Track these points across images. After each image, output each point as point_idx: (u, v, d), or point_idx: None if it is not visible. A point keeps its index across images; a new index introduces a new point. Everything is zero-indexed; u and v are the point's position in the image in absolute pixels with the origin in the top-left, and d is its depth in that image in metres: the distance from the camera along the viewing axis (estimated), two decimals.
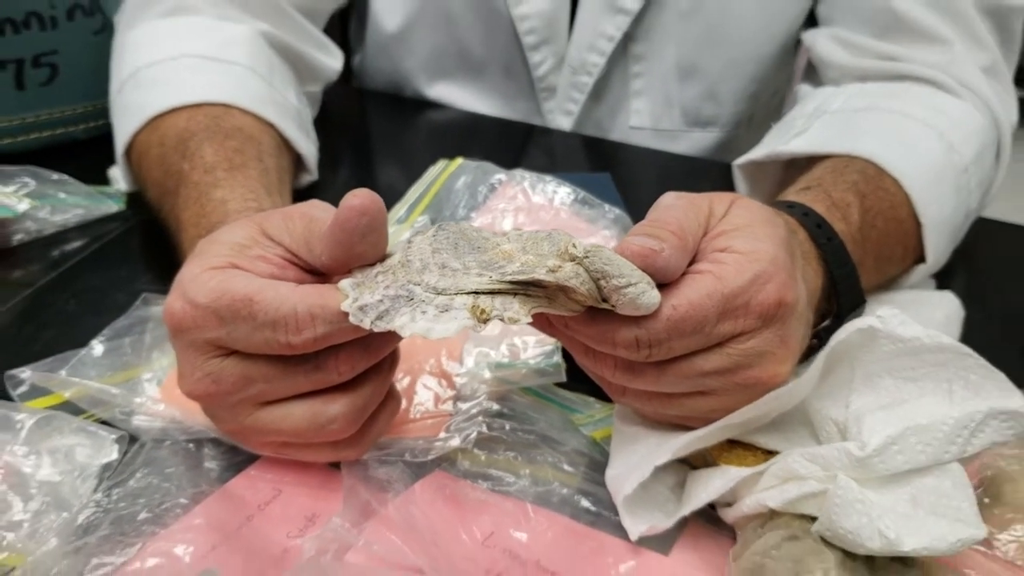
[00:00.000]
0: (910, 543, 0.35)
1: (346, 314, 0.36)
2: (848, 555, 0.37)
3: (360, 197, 0.36)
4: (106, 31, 0.68)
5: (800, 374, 0.39)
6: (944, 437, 0.38)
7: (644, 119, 0.79)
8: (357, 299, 0.35)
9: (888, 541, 0.35)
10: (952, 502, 0.37)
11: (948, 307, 0.56)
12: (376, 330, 0.35)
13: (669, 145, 0.79)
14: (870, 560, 0.37)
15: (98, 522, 0.40)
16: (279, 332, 0.36)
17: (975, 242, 0.66)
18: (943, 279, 0.60)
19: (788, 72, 0.79)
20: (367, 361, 0.39)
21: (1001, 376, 0.39)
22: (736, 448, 0.43)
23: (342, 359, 0.38)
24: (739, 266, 0.37)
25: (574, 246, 0.35)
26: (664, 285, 0.37)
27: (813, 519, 0.38)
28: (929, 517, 0.37)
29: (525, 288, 0.35)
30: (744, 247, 0.38)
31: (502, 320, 0.34)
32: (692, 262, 0.38)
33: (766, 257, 0.37)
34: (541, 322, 0.38)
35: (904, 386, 0.40)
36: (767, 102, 0.78)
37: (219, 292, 0.37)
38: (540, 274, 0.34)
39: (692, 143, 0.80)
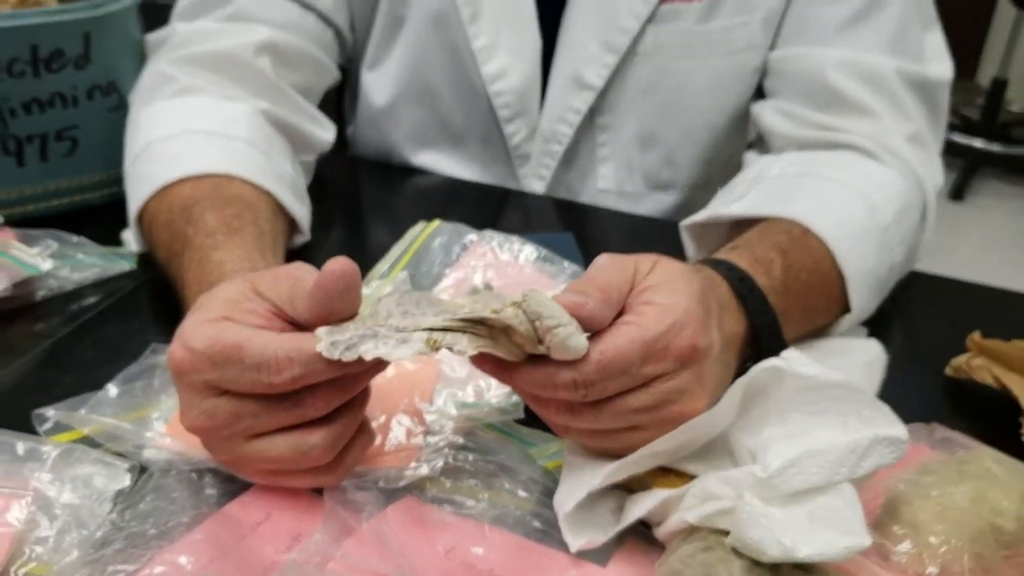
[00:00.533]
0: (804, 550, 0.42)
1: (320, 356, 0.42)
2: (755, 563, 0.43)
3: (339, 263, 0.43)
4: (121, 108, 0.75)
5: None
6: (836, 460, 0.44)
7: (610, 183, 0.87)
8: (330, 339, 0.42)
9: (785, 548, 0.41)
10: (842, 516, 0.43)
11: (871, 353, 0.63)
12: (345, 359, 0.41)
13: (633, 207, 0.86)
14: (775, 567, 0.43)
15: (113, 538, 0.46)
16: (263, 373, 0.43)
17: (909, 294, 0.73)
18: (880, 328, 0.67)
19: (742, 139, 0.86)
20: (340, 398, 0.46)
21: (886, 409, 0.46)
22: (669, 475, 0.49)
23: (318, 396, 0.45)
24: (658, 316, 0.44)
25: (517, 296, 0.42)
26: (595, 335, 0.44)
27: (727, 533, 0.44)
28: (823, 529, 0.43)
29: (474, 327, 0.42)
30: (663, 300, 0.45)
31: (451, 351, 0.41)
32: (621, 314, 0.45)
33: (681, 308, 0.44)
34: (495, 371, 0.45)
35: (809, 419, 0.46)
36: (723, 167, 0.85)
37: (213, 340, 0.44)
38: (485, 313, 0.41)
39: (654, 204, 0.87)
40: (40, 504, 0.47)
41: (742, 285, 0.56)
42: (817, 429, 0.45)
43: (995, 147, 3.20)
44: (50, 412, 0.52)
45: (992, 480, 0.49)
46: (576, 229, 0.79)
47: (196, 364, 0.44)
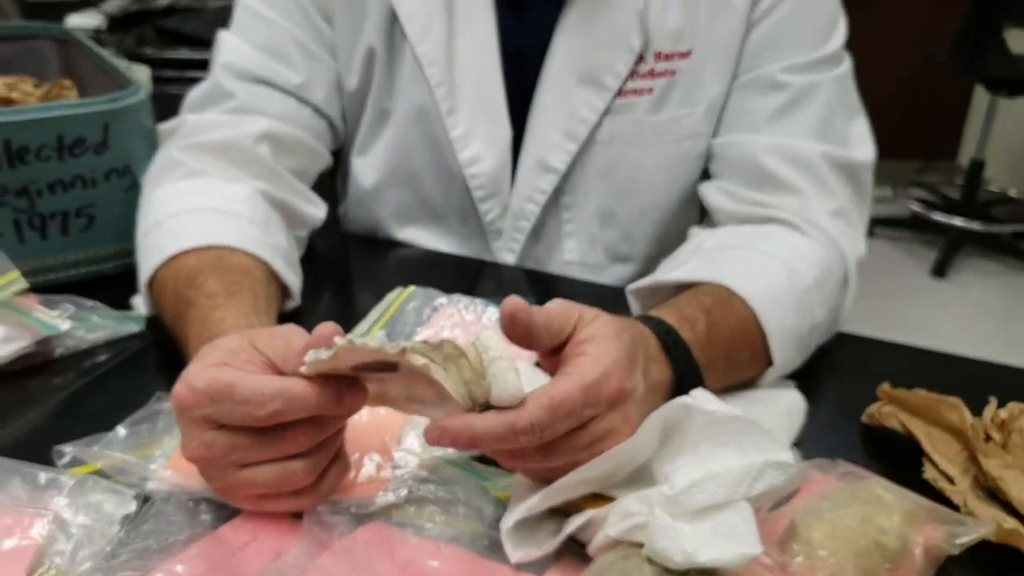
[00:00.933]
0: (704, 556, 0.49)
1: (299, 394, 0.51)
2: (665, 569, 0.51)
3: (328, 328, 0.52)
4: (135, 189, 0.85)
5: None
6: (734, 481, 0.52)
7: (574, 255, 0.96)
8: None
9: (688, 555, 0.49)
10: (739, 529, 0.51)
11: (791, 400, 0.71)
12: (321, 357, 0.50)
13: (596, 276, 0.95)
14: (682, 573, 0.51)
15: (120, 552, 0.53)
16: (251, 408, 0.51)
17: (837, 352, 0.81)
18: (808, 381, 0.75)
19: (692, 215, 0.95)
20: (318, 435, 0.54)
21: (779, 439, 0.54)
22: (599, 500, 0.57)
23: (299, 432, 0.53)
24: (592, 365, 0.52)
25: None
26: (543, 388, 0.52)
27: (643, 545, 0.52)
28: (721, 539, 0.51)
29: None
30: (595, 351, 0.53)
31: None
32: (560, 362, 0.54)
33: (611, 358, 0.53)
34: (458, 441, 0.51)
35: (714, 448, 0.54)
36: (675, 240, 0.93)
37: (211, 379, 0.52)
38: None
39: (614, 275, 0.95)
40: (59, 524, 0.55)
41: (668, 338, 0.64)
42: (719, 456, 0.54)
43: (975, 225, 3.31)
44: (68, 448, 0.60)
45: (879, 504, 0.57)
46: (544, 296, 0.88)
47: (196, 401, 0.52)
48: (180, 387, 0.53)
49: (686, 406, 0.54)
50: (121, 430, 0.63)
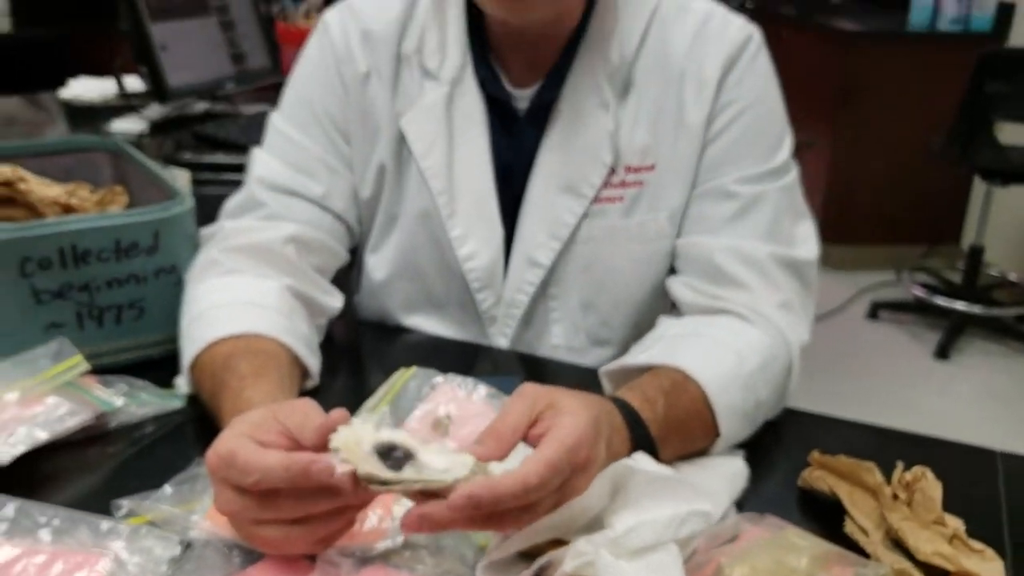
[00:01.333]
0: None
1: (273, 468, 0.62)
2: None
3: (340, 414, 0.65)
4: (179, 285, 0.99)
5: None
6: (663, 526, 0.64)
7: (560, 340, 1.08)
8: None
9: None
10: (668, 566, 0.63)
11: (736, 467, 0.83)
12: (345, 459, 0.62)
13: (579, 359, 1.07)
14: None
15: None
16: (242, 476, 0.63)
17: (784, 426, 0.93)
18: (756, 453, 0.86)
19: (663, 305, 1.08)
20: (303, 508, 0.64)
21: (703, 493, 0.66)
22: (559, 544, 0.69)
23: (282, 497, 0.64)
24: (569, 435, 0.65)
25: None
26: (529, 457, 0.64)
27: None
28: (654, 575, 0.63)
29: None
30: (569, 424, 0.66)
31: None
32: (539, 436, 0.66)
33: (578, 432, 0.65)
34: (486, 500, 0.61)
35: (651, 501, 0.67)
36: (649, 326, 1.04)
37: (227, 449, 0.65)
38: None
39: (595, 357, 1.08)
40: (117, 563, 0.67)
41: (631, 418, 0.77)
42: (654, 507, 0.66)
43: (977, 309, 3.41)
44: (124, 502, 0.73)
45: (792, 549, 0.68)
46: (533, 376, 1.01)
47: (218, 465, 0.65)
48: (210, 453, 0.66)
49: (629, 467, 0.67)
50: (168, 488, 0.76)
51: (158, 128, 1.91)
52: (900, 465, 0.78)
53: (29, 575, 0.65)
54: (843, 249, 4.03)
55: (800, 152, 3.22)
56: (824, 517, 0.78)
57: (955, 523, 0.74)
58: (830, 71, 3.96)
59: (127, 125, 1.90)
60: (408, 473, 0.62)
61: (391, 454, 0.64)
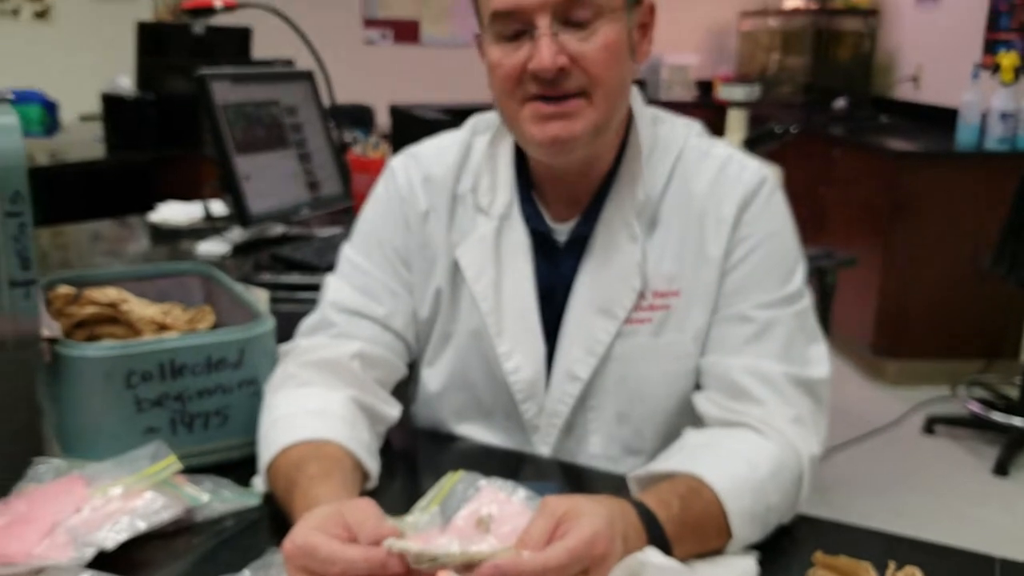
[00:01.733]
0: None
1: (357, 562, 0.75)
2: None
3: (389, 529, 0.77)
4: (258, 395, 1.13)
5: None
6: None
7: (597, 449, 1.19)
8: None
9: None
10: None
11: (746, 565, 0.92)
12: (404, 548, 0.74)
13: (614, 467, 1.17)
14: None
15: None
16: (326, 567, 0.75)
17: (797, 531, 1.02)
18: (770, 555, 0.96)
19: (691, 417, 1.18)
20: None
21: (718, 571, 0.76)
22: None
23: None
24: (590, 532, 0.76)
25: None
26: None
27: None
28: None
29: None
30: (587, 523, 0.77)
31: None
32: (563, 533, 0.77)
33: (595, 528, 0.77)
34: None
35: None
36: (678, 436, 1.16)
37: (304, 541, 0.77)
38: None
39: (628, 466, 1.17)
40: None
41: (646, 517, 0.88)
42: None
43: None
44: None
45: None
46: (571, 482, 1.12)
47: (295, 554, 0.77)
48: (287, 542, 0.78)
49: (640, 561, 0.78)
50: (247, 572, 0.88)
51: (239, 250, 2.09)
52: (892, 564, 0.87)
53: None
54: (898, 364, 4.07)
55: (848, 269, 3.33)
56: None
57: None
58: (880, 189, 4.06)
59: (211, 247, 2.09)
60: (453, 547, 0.74)
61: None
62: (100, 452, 1.05)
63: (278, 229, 2.20)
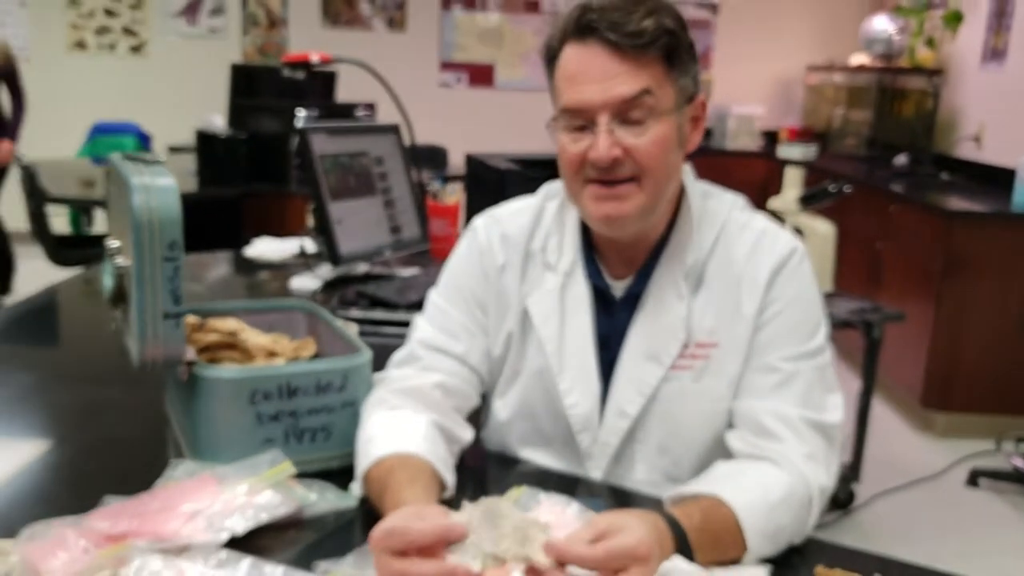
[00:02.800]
0: None
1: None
2: None
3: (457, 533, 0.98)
4: (356, 415, 1.34)
5: None
6: None
7: (641, 475, 1.37)
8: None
9: None
10: None
11: (759, 572, 1.10)
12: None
13: (655, 491, 1.34)
14: None
15: None
16: (402, 536, 0.95)
17: (806, 552, 1.20)
18: (785, 568, 1.13)
19: (723, 451, 1.36)
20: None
21: None
22: None
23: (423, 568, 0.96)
24: (636, 538, 0.95)
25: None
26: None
27: None
28: None
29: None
30: (632, 532, 0.96)
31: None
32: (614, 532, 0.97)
33: (640, 536, 0.96)
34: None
35: None
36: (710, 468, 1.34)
37: (388, 525, 0.97)
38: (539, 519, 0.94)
39: (668, 490, 1.34)
40: None
41: (672, 524, 1.07)
42: None
43: None
44: (323, 563, 1.06)
45: None
46: (618, 502, 1.31)
47: (381, 537, 0.97)
48: (375, 530, 0.99)
49: (666, 568, 0.97)
50: (350, 557, 1.08)
51: (328, 285, 2.33)
52: None
53: None
54: (944, 417, 4.17)
55: (898, 323, 3.49)
56: None
57: None
58: (935, 246, 4.18)
59: (304, 283, 2.32)
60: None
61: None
62: (225, 457, 1.27)
63: (362, 268, 2.43)
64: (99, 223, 5.32)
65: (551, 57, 1.31)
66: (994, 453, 3.94)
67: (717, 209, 1.37)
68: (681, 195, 1.37)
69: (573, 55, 1.26)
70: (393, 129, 2.53)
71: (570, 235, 1.39)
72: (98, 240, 4.96)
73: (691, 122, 1.32)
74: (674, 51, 1.25)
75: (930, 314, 4.15)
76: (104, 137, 5.65)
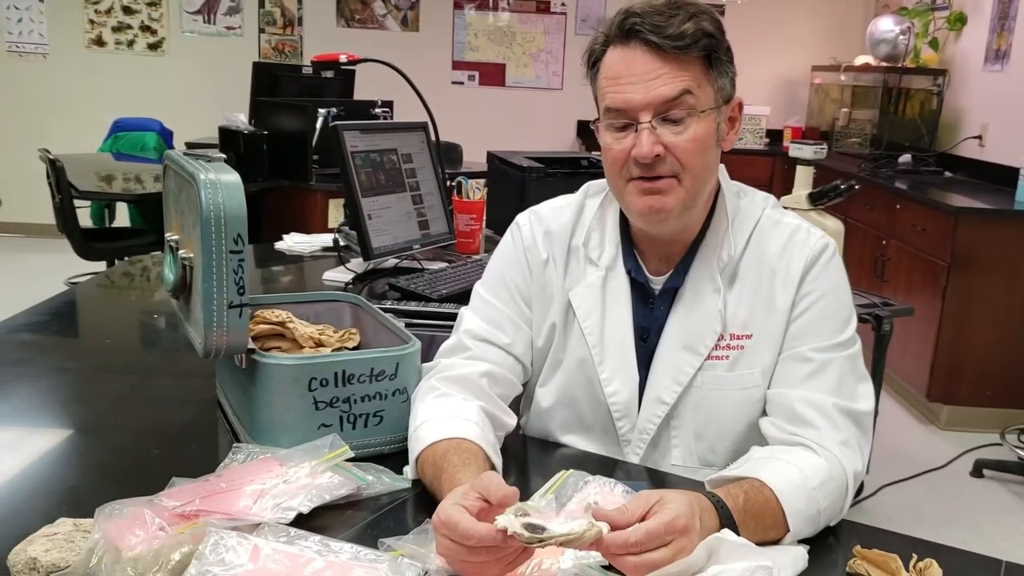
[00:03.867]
0: None
1: (483, 537, 1.01)
2: None
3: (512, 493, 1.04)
4: (407, 401, 1.40)
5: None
6: (740, 572, 0.99)
7: (678, 461, 1.44)
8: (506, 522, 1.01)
9: None
10: None
11: (798, 552, 1.16)
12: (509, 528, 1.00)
13: (691, 475, 1.42)
14: None
15: None
16: (462, 539, 1.01)
17: (842, 534, 1.26)
18: (820, 549, 1.20)
19: (757, 438, 1.42)
20: (493, 554, 1.01)
21: (775, 554, 1.01)
22: None
23: (490, 556, 1.02)
24: (672, 513, 1.02)
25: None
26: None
27: None
28: None
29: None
30: (673, 507, 1.03)
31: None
32: (654, 511, 1.03)
33: (677, 511, 1.02)
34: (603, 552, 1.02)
35: (732, 559, 1.02)
36: (745, 452, 1.40)
37: (446, 515, 1.03)
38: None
39: (703, 474, 1.41)
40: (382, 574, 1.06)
41: (718, 505, 1.13)
42: (734, 561, 1.01)
43: None
44: (387, 541, 1.12)
45: None
46: (656, 485, 1.37)
47: (442, 526, 1.03)
48: (436, 516, 1.05)
49: (718, 538, 1.03)
50: (411, 535, 1.15)
51: (358, 278, 2.39)
52: (915, 556, 1.11)
53: (336, 572, 1.05)
54: (950, 409, 4.25)
55: (906, 318, 3.56)
56: None
57: None
58: (940, 243, 4.26)
59: (337, 275, 2.39)
60: (544, 534, 1.00)
61: (534, 526, 1.01)
62: (283, 441, 1.33)
63: (391, 261, 2.49)
64: (120, 217, 5.37)
65: (594, 61, 1.37)
66: (998, 445, 4.02)
67: (750, 207, 1.44)
68: (717, 193, 1.43)
69: (616, 57, 1.32)
70: (421, 127, 2.59)
71: (611, 231, 1.46)
72: (124, 233, 5.04)
73: (728, 122, 1.38)
74: (713, 53, 1.32)
75: (936, 309, 4.22)
76: (125, 133, 5.71)
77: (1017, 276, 4.14)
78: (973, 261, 4.15)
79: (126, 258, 3.66)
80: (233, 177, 1.29)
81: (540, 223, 1.49)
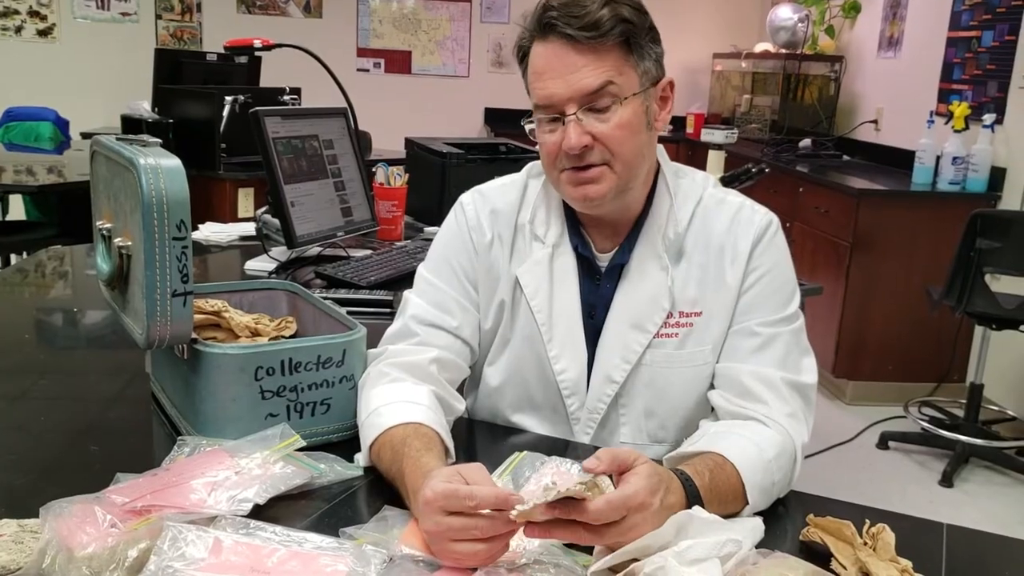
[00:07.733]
0: None
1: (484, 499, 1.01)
2: None
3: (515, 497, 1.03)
4: (354, 389, 1.38)
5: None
6: (710, 546, 1.00)
7: (628, 438, 1.45)
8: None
9: None
10: (713, 572, 0.99)
11: (755, 523, 1.18)
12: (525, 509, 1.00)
13: (643, 452, 1.44)
14: None
15: None
16: (464, 501, 1.00)
17: (794, 507, 1.29)
18: (773, 520, 1.22)
19: (705, 412, 1.43)
20: (489, 528, 1.01)
21: (736, 527, 1.02)
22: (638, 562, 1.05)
23: (484, 526, 1.01)
24: (631, 488, 1.02)
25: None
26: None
27: None
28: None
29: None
30: (634, 481, 1.03)
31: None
32: (624, 479, 1.03)
33: (639, 486, 1.03)
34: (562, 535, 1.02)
35: (703, 533, 1.03)
36: (694, 428, 1.40)
37: (442, 487, 1.02)
38: (545, 480, 1.00)
39: (653, 452, 1.44)
40: (352, 565, 1.04)
41: (686, 482, 1.14)
42: (705, 536, 1.02)
43: (978, 442, 3.74)
44: (348, 530, 1.10)
45: (792, 567, 1.04)
46: None
47: (437, 498, 1.02)
48: (427, 492, 1.03)
49: (689, 514, 1.04)
50: (372, 523, 1.13)
51: (283, 267, 2.34)
52: (867, 522, 1.14)
53: (301, 562, 1.02)
54: (856, 385, 4.40)
55: (813, 297, 3.65)
56: (817, 559, 1.13)
57: (906, 562, 1.09)
58: (842, 224, 4.39)
59: (260, 264, 2.33)
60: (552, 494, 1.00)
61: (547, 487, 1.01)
62: (229, 432, 1.30)
63: (315, 249, 2.44)
64: (14, 210, 5.13)
65: (523, 56, 1.37)
66: (902, 418, 4.18)
67: (691, 186, 1.46)
68: (658, 172, 1.44)
69: (539, 52, 1.33)
70: (341, 112, 2.54)
71: (556, 209, 1.46)
72: (19, 227, 4.79)
73: (659, 102, 1.39)
74: (632, 37, 1.32)
75: (840, 289, 4.36)
76: (17, 123, 5.45)
77: (915, 255, 4.30)
78: (874, 241, 4.30)
79: (24, 253, 3.51)
80: (174, 162, 1.25)
81: (485, 202, 1.48)
